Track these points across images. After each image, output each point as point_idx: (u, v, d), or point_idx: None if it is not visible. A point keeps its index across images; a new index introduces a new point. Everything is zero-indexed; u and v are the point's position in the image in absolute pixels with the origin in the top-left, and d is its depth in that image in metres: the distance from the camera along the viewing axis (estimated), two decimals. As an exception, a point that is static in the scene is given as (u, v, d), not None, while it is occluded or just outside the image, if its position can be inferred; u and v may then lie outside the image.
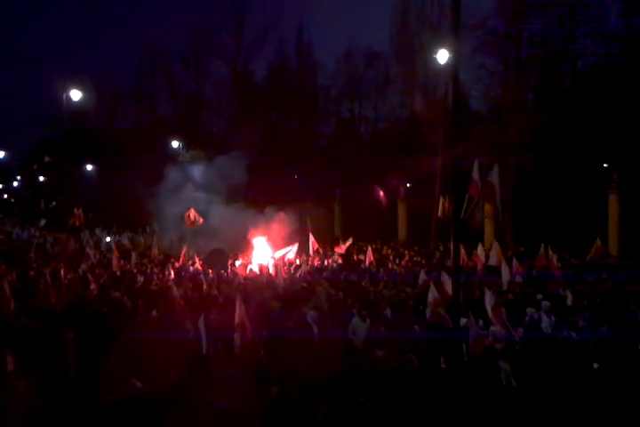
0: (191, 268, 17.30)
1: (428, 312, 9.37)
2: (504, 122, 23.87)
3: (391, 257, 20.39)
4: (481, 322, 8.48)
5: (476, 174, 8.96)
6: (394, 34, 29.77)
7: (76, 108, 33.30)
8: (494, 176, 9.03)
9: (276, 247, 19.83)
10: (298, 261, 18.26)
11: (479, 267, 15.17)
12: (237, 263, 18.61)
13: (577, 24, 24.32)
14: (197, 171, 25.57)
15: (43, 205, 49.28)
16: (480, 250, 16.17)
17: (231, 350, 8.44)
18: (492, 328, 8.31)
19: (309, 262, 18.14)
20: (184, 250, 18.74)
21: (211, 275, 15.77)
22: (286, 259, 18.60)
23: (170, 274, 15.55)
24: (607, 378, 6.51)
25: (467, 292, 11.42)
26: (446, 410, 5.83)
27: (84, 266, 16.95)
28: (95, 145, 39.24)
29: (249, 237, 20.30)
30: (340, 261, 19.27)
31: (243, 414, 6.93)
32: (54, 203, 46.25)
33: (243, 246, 20.35)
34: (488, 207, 20.40)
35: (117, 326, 9.12)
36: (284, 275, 15.27)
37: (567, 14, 24.23)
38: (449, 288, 9.23)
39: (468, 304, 9.36)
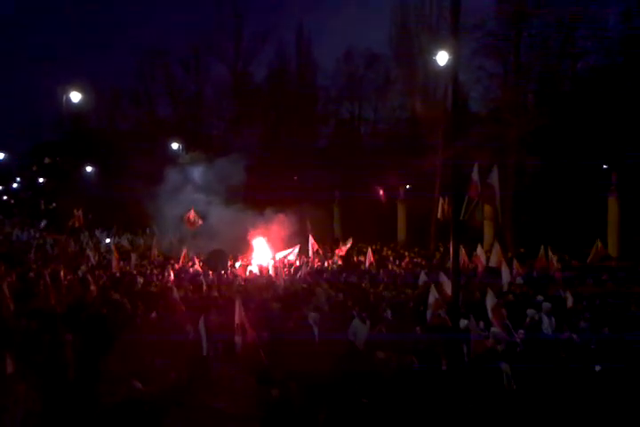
0: (191, 269, 17.29)
1: (428, 314, 9.35)
2: (504, 123, 23.88)
3: (391, 258, 20.38)
4: (482, 323, 8.48)
5: (475, 176, 8.95)
6: (393, 35, 29.81)
7: (76, 110, 33.37)
8: (494, 178, 9.01)
9: (275, 249, 19.83)
10: (298, 263, 18.25)
11: (479, 268, 15.16)
12: (237, 265, 18.60)
13: (576, 26, 24.33)
14: (197, 172, 25.59)
15: (42, 207, 49.28)
16: (480, 251, 16.17)
17: (231, 351, 8.42)
18: (492, 329, 8.30)
19: (309, 264, 18.13)
20: (184, 251, 18.73)
21: (211, 276, 15.76)
22: (286, 260, 18.60)
23: (169, 275, 15.53)
24: (608, 380, 6.50)
25: (467, 293, 11.44)
26: (447, 411, 5.82)
27: (83, 267, 16.93)
28: (95, 146, 39.24)
29: (249, 238, 20.30)
30: (339, 262, 19.26)
31: (243, 416, 6.91)
32: (54, 204, 46.25)
33: (242, 248, 20.35)
34: (488, 209, 20.46)
35: (117, 328, 9.10)
36: (283, 276, 15.27)
37: (566, 16, 24.25)
38: (448, 289, 9.22)
39: (468, 305, 9.36)
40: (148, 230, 28.78)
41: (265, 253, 19.88)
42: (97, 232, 30.75)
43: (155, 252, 20.82)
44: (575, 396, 6.21)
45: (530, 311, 9.48)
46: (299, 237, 20.29)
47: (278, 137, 35.61)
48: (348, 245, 20.10)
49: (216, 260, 18.56)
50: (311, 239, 19.44)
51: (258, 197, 24.87)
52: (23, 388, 6.16)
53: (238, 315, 8.33)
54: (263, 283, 14.52)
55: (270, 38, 36.18)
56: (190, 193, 23.99)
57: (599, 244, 16.10)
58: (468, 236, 13.80)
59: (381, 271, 16.42)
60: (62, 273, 14.62)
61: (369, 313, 9.75)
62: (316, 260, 19.14)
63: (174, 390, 7.30)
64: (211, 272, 16.55)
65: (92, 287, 13.09)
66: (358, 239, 23.05)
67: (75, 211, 26.87)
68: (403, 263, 18.95)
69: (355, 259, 19.99)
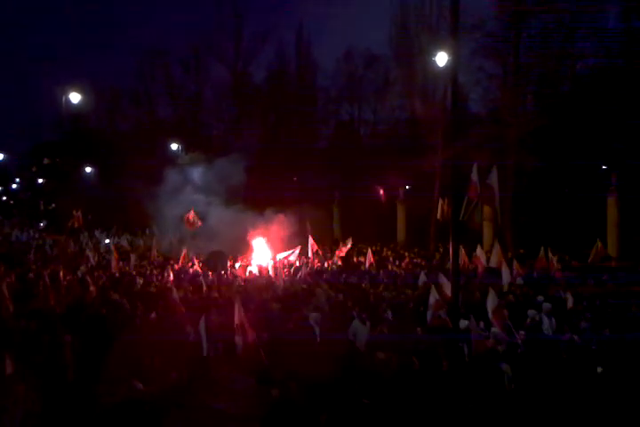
0: (191, 270, 17.27)
1: (429, 315, 9.34)
2: (503, 124, 23.90)
3: (391, 259, 20.37)
4: (482, 324, 8.47)
5: (475, 177, 8.97)
6: (393, 36, 29.84)
7: (76, 110, 33.35)
8: (493, 178, 9.03)
9: (275, 249, 19.82)
10: (297, 263, 18.23)
11: (479, 269, 15.16)
12: (237, 265, 18.58)
13: (575, 27, 24.36)
14: (197, 173, 25.58)
15: (42, 207, 49.25)
16: (480, 252, 16.16)
17: (232, 352, 8.41)
18: (493, 330, 8.29)
19: (309, 264, 18.12)
20: (183, 252, 18.72)
21: (210, 277, 15.74)
22: (286, 261, 18.58)
23: (169, 276, 15.50)
24: (610, 381, 6.49)
25: (467, 293, 11.43)
26: (448, 412, 5.81)
27: (82, 268, 16.91)
28: (94, 147, 39.23)
29: (248, 238, 20.29)
30: (339, 262, 19.25)
31: (243, 417, 6.90)
32: (53, 205, 46.22)
33: (242, 248, 20.34)
34: (487, 209, 20.44)
35: (116, 328, 9.09)
36: (283, 277, 15.25)
37: (566, 17, 24.28)
38: (448, 291, 9.22)
39: (468, 306, 9.35)
40: (147, 231, 28.76)
41: (265, 254, 19.87)
42: (96, 233, 30.72)
43: (154, 252, 20.79)
44: (576, 397, 6.20)
45: (530, 312, 9.47)
46: (298, 238, 20.29)
47: (278, 138, 35.61)
48: (348, 246, 20.08)
49: (215, 260, 18.55)
50: (311, 240, 19.43)
51: (257, 198, 24.88)
52: (23, 388, 6.14)
53: (238, 315, 8.32)
54: (263, 283, 14.50)
55: (270, 38, 36.29)
56: (190, 194, 23.98)
57: (599, 244, 16.10)
58: (467, 236, 13.78)
59: (381, 272, 16.41)
60: (61, 274, 14.61)
61: (369, 314, 9.73)
62: (316, 260, 19.13)
63: (174, 391, 7.29)
64: (210, 273, 16.53)
65: (92, 288, 13.07)
66: (358, 240, 23.05)
67: (74, 211, 26.85)
68: (403, 264, 18.94)
69: (355, 259, 19.98)
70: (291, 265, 17.99)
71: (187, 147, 35.05)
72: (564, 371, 6.69)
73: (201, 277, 14.91)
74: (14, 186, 61.06)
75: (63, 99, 28.09)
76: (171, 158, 32.28)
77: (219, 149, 32.81)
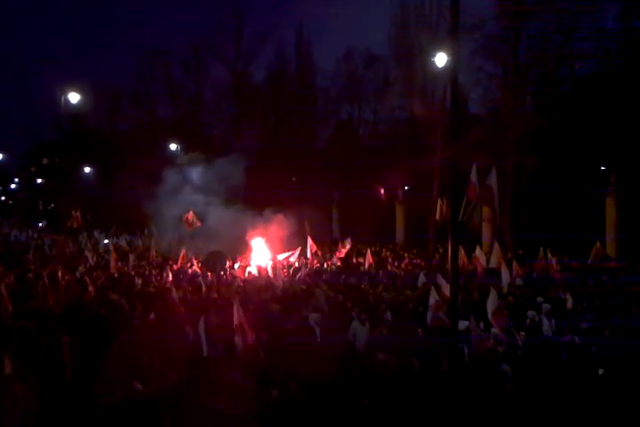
0: (190, 270, 17.25)
1: (429, 316, 9.33)
2: (502, 125, 23.91)
3: (390, 259, 20.35)
4: (481, 325, 8.46)
5: (474, 177, 8.96)
6: (393, 36, 29.84)
7: (75, 110, 33.33)
8: (492, 179, 9.04)
9: (274, 249, 19.80)
10: (297, 264, 18.22)
11: (479, 269, 15.15)
12: (236, 266, 18.55)
13: (575, 27, 24.37)
14: (196, 173, 25.55)
15: (41, 207, 49.22)
16: (479, 252, 16.16)
17: (231, 352, 8.39)
18: (493, 331, 8.27)
19: (308, 265, 18.10)
20: (182, 252, 18.69)
21: (209, 277, 15.72)
22: (285, 261, 18.56)
23: (168, 276, 15.49)
24: (611, 383, 6.48)
25: (466, 294, 11.43)
26: (448, 413, 5.80)
27: (81, 268, 16.89)
28: (94, 147, 39.21)
29: (247, 239, 20.27)
30: (338, 263, 19.24)
31: (242, 417, 6.88)
32: (52, 205, 46.19)
33: (241, 249, 20.32)
34: (486, 210, 20.45)
35: (115, 329, 9.08)
36: (282, 277, 15.23)
37: (565, 17, 24.29)
38: (446, 292, 9.21)
39: (467, 307, 9.34)
40: (146, 231, 28.74)
41: (264, 254, 19.85)
42: (95, 233, 30.70)
43: (153, 252, 20.78)
44: (577, 399, 6.19)
45: (530, 313, 9.47)
46: (297, 238, 20.27)
47: (277, 138, 35.62)
48: (348, 247, 20.06)
49: (214, 261, 18.53)
50: (310, 240, 19.42)
51: (257, 198, 24.86)
52: (21, 388, 6.13)
53: (237, 316, 8.30)
54: (262, 284, 14.49)
55: (270, 38, 36.29)
56: (189, 194, 23.95)
57: (598, 245, 16.10)
58: (466, 237, 13.79)
59: (380, 272, 16.40)
60: (60, 274, 14.59)
61: (368, 315, 9.72)
62: (315, 261, 19.12)
63: (173, 391, 7.27)
64: (209, 273, 16.51)
65: (90, 288, 13.06)
66: (357, 240, 23.04)
67: (73, 211, 26.84)
68: (402, 265, 18.93)
69: (354, 260, 19.96)
70: (290, 266, 17.98)
71: (186, 147, 35.04)
72: (565, 372, 6.68)
73: (200, 278, 14.90)
74: (13, 186, 61.06)
75: (62, 99, 28.10)
76: (170, 158, 32.25)
77: (218, 149, 32.80)
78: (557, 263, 15.27)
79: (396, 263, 19.25)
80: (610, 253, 20.19)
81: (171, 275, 15.67)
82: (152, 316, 9.98)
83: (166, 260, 19.72)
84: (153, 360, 7.95)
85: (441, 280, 10.77)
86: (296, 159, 32.49)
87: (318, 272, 17.14)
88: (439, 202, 20.58)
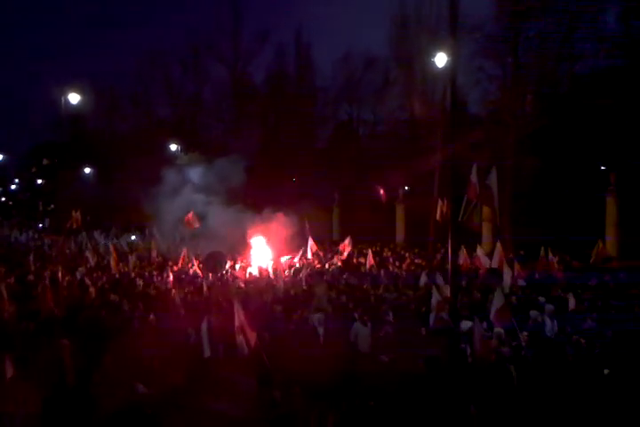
0: (190, 271, 17.22)
1: (431, 316, 9.31)
2: (502, 125, 23.89)
3: (391, 260, 20.32)
4: (484, 325, 8.44)
5: (474, 177, 8.97)
6: (392, 36, 29.83)
7: (75, 111, 33.28)
8: (492, 179, 9.04)
9: (275, 250, 19.77)
10: (298, 265, 18.19)
11: (481, 269, 15.12)
12: (237, 266, 18.52)
13: (575, 27, 24.36)
14: (195, 173, 25.52)
15: (41, 208, 49.16)
16: (480, 252, 16.13)
17: (233, 353, 8.37)
18: (496, 330, 8.25)
19: (309, 265, 18.07)
20: (183, 253, 18.66)
21: (210, 278, 15.69)
22: (284, 262, 18.55)
23: (168, 277, 15.46)
24: (617, 383, 6.46)
25: (468, 295, 11.42)
26: (453, 415, 5.79)
27: (81, 269, 16.86)
28: (94, 148, 39.17)
29: (248, 239, 20.24)
30: (339, 264, 19.21)
31: (245, 419, 6.87)
32: (52, 206, 46.14)
33: (242, 249, 20.29)
34: (486, 210, 20.39)
35: (116, 330, 9.06)
36: (283, 278, 15.20)
37: (565, 18, 24.27)
38: (447, 292, 9.20)
39: (470, 307, 9.32)
40: (146, 231, 28.69)
41: (265, 255, 19.82)
42: (95, 234, 30.65)
43: (154, 253, 20.74)
44: (583, 398, 6.16)
45: (533, 313, 9.44)
46: (298, 239, 20.24)
47: (277, 138, 35.60)
48: (349, 248, 20.02)
49: (214, 261, 18.49)
50: (310, 241, 19.40)
51: (257, 199, 24.83)
52: (23, 391, 6.11)
53: (237, 318, 8.29)
54: (263, 285, 14.46)
55: (269, 39, 36.25)
56: (189, 194, 23.91)
57: (600, 244, 16.07)
58: (466, 237, 13.76)
59: (382, 272, 16.36)
60: (60, 275, 14.56)
61: (370, 316, 9.69)
62: (316, 261, 19.09)
63: (176, 393, 7.26)
64: (211, 274, 16.48)
65: (91, 289, 13.03)
66: (357, 240, 23.01)
67: (73, 212, 26.80)
68: (404, 265, 18.89)
69: (355, 260, 19.93)
70: (291, 266, 17.96)
71: (186, 147, 35.02)
72: (570, 373, 6.66)
73: (201, 279, 14.87)
74: (13, 187, 61.00)
75: (62, 99, 28.05)
76: (170, 159, 32.21)
77: (218, 149, 32.77)
78: (559, 263, 15.23)
79: (397, 263, 19.22)
80: (611, 253, 20.17)
81: (171, 276, 15.64)
82: (153, 317, 9.97)
83: (167, 260, 19.69)
84: (154, 362, 7.94)
85: (441, 281, 10.75)
86: (296, 159, 32.46)
87: (319, 273, 17.11)
88: (439, 202, 20.56)
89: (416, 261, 19.90)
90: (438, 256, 20.56)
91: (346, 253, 19.86)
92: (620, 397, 6.14)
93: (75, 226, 26.94)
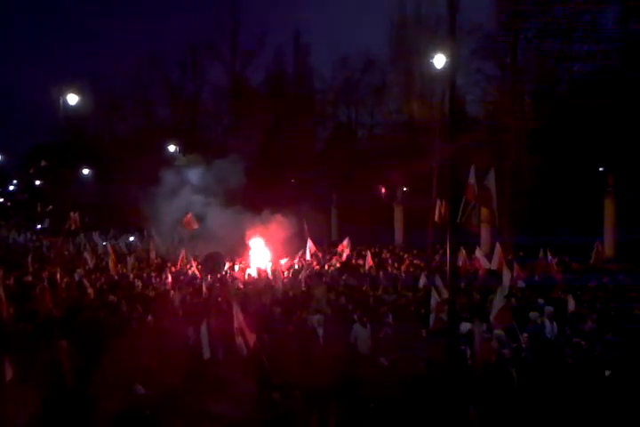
0: (189, 272, 17.19)
1: (431, 318, 9.30)
2: (501, 126, 23.92)
3: (390, 261, 20.31)
4: (484, 326, 8.42)
5: (472, 178, 8.97)
6: (391, 38, 29.87)
7: (73, 112, 33.25)
8: (491, 180, 9.04)
9: (274, 251, 19.76)
10: (297, 266, 18.17)
11: (480, 271, 15.12)
12: (236, 268, 18.50)
13: (573, 28, 24.41)
14: (194, 174, 25.49)
15: (39, 209, 49.06)
16: (479, 253, 16.13)
17: (233, 355, 8.35)
18: (495, 332, 8.25)
19: (308, 267, 18.05)
20: (182, 254, 18.63)
21: (209, 279, 15.67)
22: (283, 264, 18.54)
23: (167, 278, 15.43)
24: (618, 385, 6.45)
25: (467, 296, 11.41)
26: (454, 417, 5.78)
27: (80, 270, 16.83)
28: (92, 149, 39.10)
29: (247, 240, 20.23)
30: (338, 265, 19.20)
31: (244, 421, 6.84)
32: (51, 207, 46.04)
33: (240, 250, 20.27)
34: (485, 211, 20.40)
35: (115, 332, 9.04)
36: (283, 279, 15.19)
37: (564, 18, 24.33)
38: (445, 293, 9.20)
39: (470, 309, 9.30)
40: (145, 233, 28.65)
41: (263, 256, 19.81)
42: (94, 235, 30.58)
43: (152, 254, 20.70)
44: (583, 400, 6.15)
45: (532, 315, 9.43)
46: (297, 240, 20.23)
47: (276, 139, 35.60)
48: (348, 250, 20.01)
49: (213, 263, 18.48)
50: (309, 242, 19.38)
51: (255, 200, 24.80)
52: (22, 392, 6.09)
53: (237, 319, 8.27)
54: (262, 286, 14.44)
55: (268, 41, 36.28)
56: (187, 195, 23.88)
57: (599, 246, 16.08)
58: (465, 238, 13.77)
59: (381, 273, 16.35)
60: (59, 276, 14.53)
61: (370, 317, 9.68)
62: (315, 263, 19.08)
63: (174, 394, 7.23)
64: (209, 275, 16.46)
65: (90, 291, 13.01)
66: (356, 242, 23.01)
67: (71, 213, 26.75)
68: (403, 266, 18.87)
69: (354, 262, 19.92)
70: (290, 267, 17.94)
71: (185, 148, 34.99)
72: (570, 375, 6.65)
73: (200, 280, 14.85)
74: (12, 187, 60.87)
75: (61, 100, 28.01)
76: (168, 160, 32.17)
77: (217, 150, 32.77)
78: (558, 265, 15.22)
79: (396, 265, 19.20)
80: (609, 255, 20.21)
81: (170, 277, 15.61)
82: (152, 319, 9.95)
83: (165, 262, 19.66)
84: (153, 363, 7.92)
85: (439, 283, 10.75)
86: (295, 160, 32.47)
87: (318, 274, 17.10)
88: (438, 203, 20.57)
89: (415, 262, 19.87)
90: (437, 257, 20.53)
91: (345, 255, 19.83)
92: (620, 399, 6.14)
93: (73, 227, 26.87)
